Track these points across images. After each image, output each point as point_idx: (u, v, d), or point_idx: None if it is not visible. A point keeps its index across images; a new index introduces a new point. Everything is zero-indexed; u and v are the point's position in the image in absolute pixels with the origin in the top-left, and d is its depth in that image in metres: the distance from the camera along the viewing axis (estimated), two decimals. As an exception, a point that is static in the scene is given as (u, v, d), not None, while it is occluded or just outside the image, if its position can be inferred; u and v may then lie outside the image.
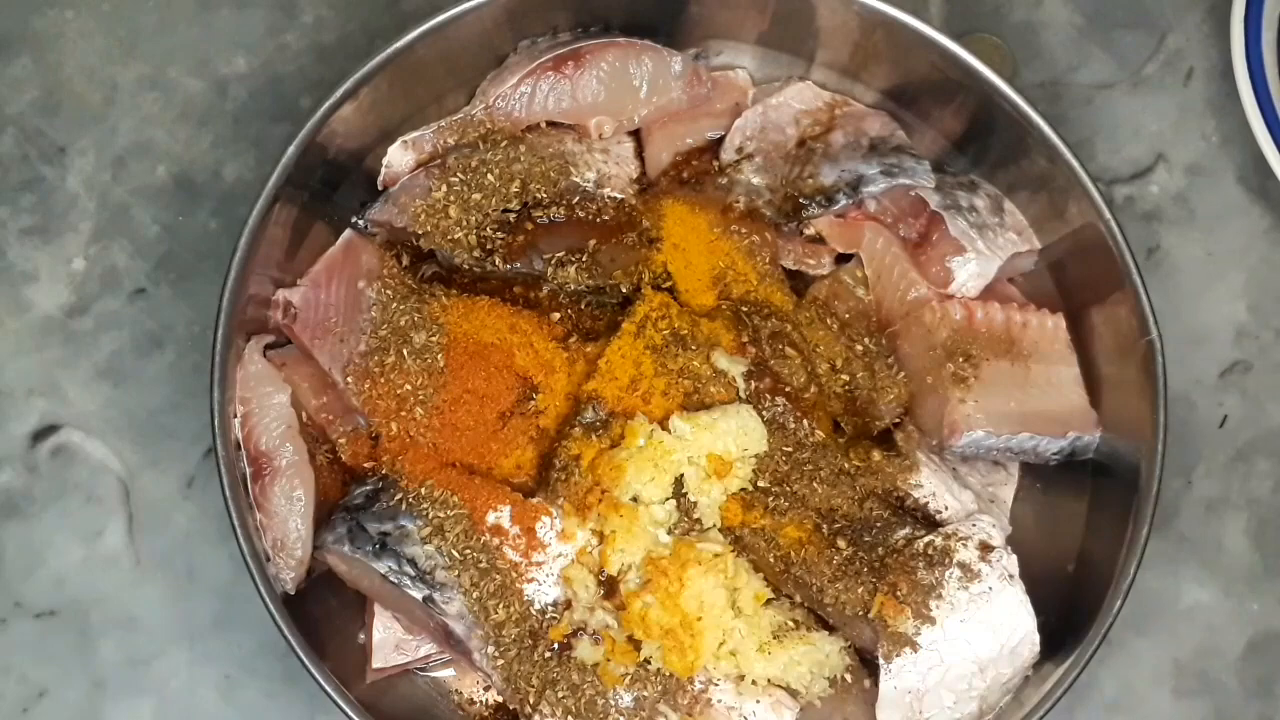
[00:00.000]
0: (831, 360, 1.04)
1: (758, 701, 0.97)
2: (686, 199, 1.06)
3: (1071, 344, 1.05)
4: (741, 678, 0.97)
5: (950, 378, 1.01)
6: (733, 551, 0.97)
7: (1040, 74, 1.17)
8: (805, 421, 1.00)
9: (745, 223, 1.05)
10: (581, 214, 1.05)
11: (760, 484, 0.98)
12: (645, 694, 0.96)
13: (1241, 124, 1.11)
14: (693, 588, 0.94)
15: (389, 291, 1.01)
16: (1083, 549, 1.03)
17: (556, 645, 0.96)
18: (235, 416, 0.97)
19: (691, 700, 0.96)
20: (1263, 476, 1.13)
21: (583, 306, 1.04)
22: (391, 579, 0.94)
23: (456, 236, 1.02)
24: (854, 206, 1.04)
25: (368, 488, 0.98)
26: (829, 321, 1.05)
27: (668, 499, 0.97)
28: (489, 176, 1.02)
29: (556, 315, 1.03)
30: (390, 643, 1.00)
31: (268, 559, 0.96)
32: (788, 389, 1.01)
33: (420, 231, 1.02)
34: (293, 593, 0.97)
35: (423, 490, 0.97)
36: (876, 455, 1.01)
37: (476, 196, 1.01)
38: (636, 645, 0.96)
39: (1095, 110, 1.17)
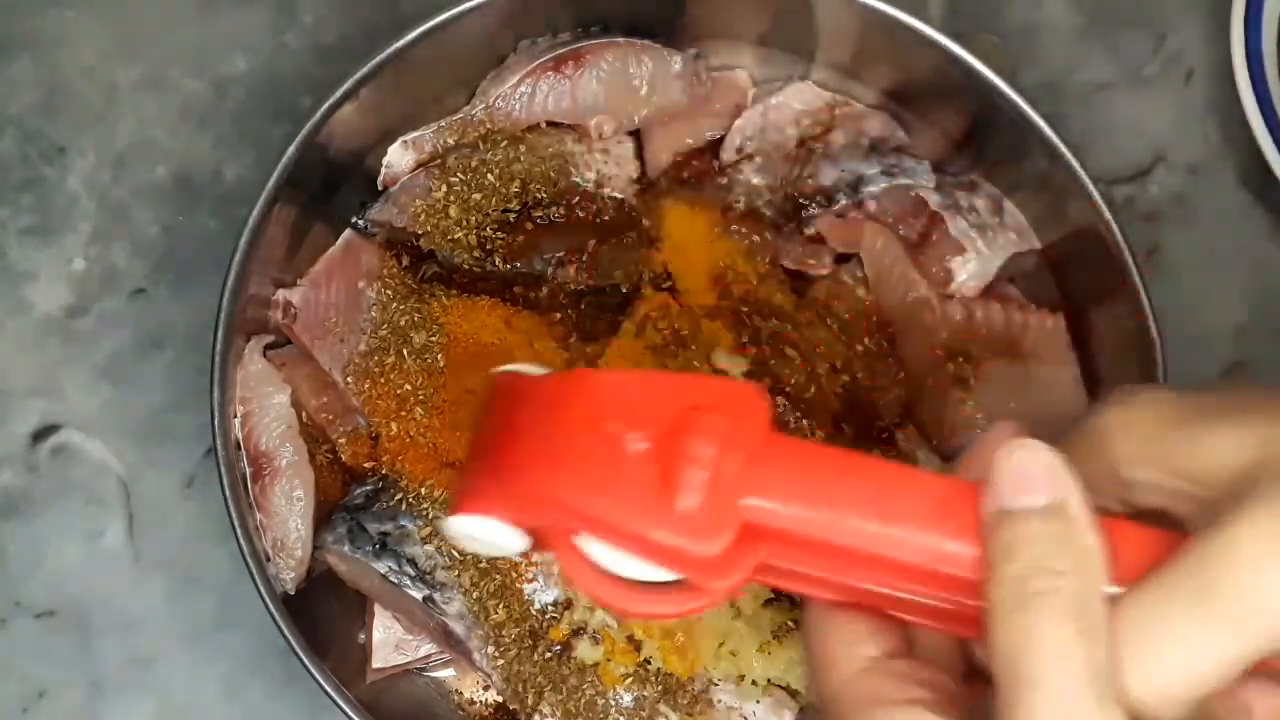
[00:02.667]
0: (831, 360, 1.04)
1: (758, 701, 0.97)
2: (686, 199, 1.05)
3: (1071, 344, 1.04)
4: (741, 678, 0.97)
5: (950, 378, 1.01)
6: (733, 551, 0.97)
7: (1040, 74, 1.17)
8: (805, 421, 1.00)
9: (745, 223, 1.05)
10: (581, 214, 1.05)
11: (760, 484, 0.98)
12: (645, 694, 0.96)
13: (1241, 124, 1.10)
14: (693, 588, 0.94)
15: (389, 291, 1.01)
16: (1083, 549, 1.03)
17: (557, 645, 0.96)
18: (235, 416, 0.97)
19: (691, 700, 0.96)
20: (1263, 476, 1.12)
21: (583, 306, 1.04)
22: (391, 579, 0.94)
23: (457, 236, 1.02)
24: (854, 206, 1.04)
25: (368, 488, 0.98)
26: (829, 321, 1.05)
27: (668, 499, 0.97)
28: (489, 176, 1.02)
29: (557, 315, 1.03)
30: (390, 643, 1.00)
31: (268, 559, 0.96)
32: (788, 389, 1.01)
33: (420, 231, 1.02)
34: (293, 593, 0.97)
35: (423, 490, 0.97)
36: (876, 455, 1.01)
37: (476, 196, 1.01)
38: (636, 645, 0.96)
39: (1095, 110, 1.17)
